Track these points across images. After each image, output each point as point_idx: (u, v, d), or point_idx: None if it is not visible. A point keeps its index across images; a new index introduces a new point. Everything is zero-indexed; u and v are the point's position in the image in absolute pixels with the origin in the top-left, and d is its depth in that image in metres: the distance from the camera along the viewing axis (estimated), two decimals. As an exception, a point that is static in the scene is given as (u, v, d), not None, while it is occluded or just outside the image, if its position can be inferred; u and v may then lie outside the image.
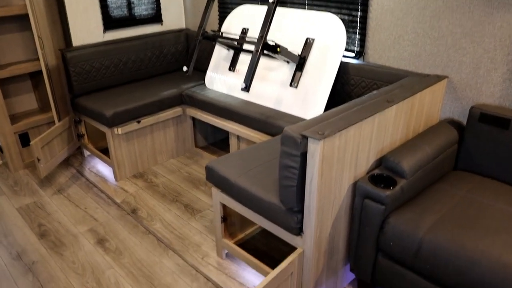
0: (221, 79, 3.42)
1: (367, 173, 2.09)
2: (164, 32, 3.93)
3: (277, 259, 2.44)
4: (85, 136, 3.66)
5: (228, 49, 3.41)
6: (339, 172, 1.87)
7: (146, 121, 3.30)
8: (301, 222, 1.91)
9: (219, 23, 3.79)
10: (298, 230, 1.92)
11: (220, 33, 3.18)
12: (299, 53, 2.95)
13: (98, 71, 3.47)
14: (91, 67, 3.41)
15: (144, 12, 3.80)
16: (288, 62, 3.03)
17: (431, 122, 2.51)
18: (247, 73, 2.71)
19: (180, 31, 4.01)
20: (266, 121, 2.86)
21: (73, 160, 3.73)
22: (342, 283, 2.31)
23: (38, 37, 3.19)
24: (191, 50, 3.20)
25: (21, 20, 3.48)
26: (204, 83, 3.63)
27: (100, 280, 2.40)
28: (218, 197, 2.31)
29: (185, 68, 3.21)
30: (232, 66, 3.41)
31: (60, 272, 2.48)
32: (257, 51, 2.75)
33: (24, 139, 3.59)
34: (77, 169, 3.58)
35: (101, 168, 3.57)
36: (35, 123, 3.59)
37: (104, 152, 3.61)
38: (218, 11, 3.76)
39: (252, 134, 2.99)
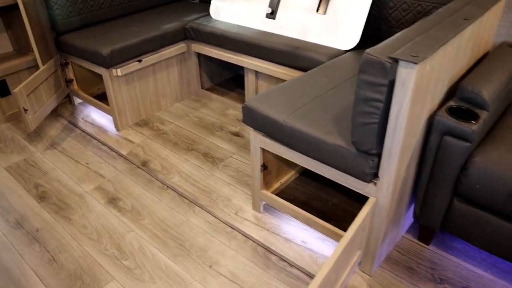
0: (231, 8, 2.96)
1: (440, 106, 1.75)
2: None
3: (321, 209, 2.12)
4: (74, 82, 3.16)
5: (237, -28, 2.91)
6: (421, 105, 1.52)
7: (148, 59, 2.84)
8: (376, 166, 1.57)
9: None
10: (372, 176, 1.59)
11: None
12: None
13: (85, 2, 2.93)
14: (78, -3, 2.87)
15: None
16: (315, -18, 2.59)
17: (487, 47, 2.17)
18: (274, -5, 2.27)
19: (173, -45, 3.45)
20: (294, 53, 2.46)
21: (62, 109, 3.26)
22: (402, 231, 2.03)
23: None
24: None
25: None
26: (209, 14, 3.15)
27: (120, 246, 2.05)
28: (258, 142, 1.94)
29: None
30: (243, -8, 2.92)
31: (71, 239, 2.11)
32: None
33: (2, 88, 3.08)
34: (69, 120, 3.12)
35: (98, 117, 3.13)
36: (14, 68, 3.07)
37: (98, 98, 3.15)
38: None
39: (275, 69, 2.59)
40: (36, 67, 3.16)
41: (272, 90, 1.99)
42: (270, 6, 2.31)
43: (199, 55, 3.15)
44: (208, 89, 3.33)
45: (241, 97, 3.20)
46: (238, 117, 3.01)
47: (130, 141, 2.82)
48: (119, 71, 2.69)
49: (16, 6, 2.98)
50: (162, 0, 3.44)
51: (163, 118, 3.06)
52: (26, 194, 2.42)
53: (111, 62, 2.63)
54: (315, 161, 1.77)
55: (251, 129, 1.96)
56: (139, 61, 2.79)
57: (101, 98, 3.25)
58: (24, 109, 2.65)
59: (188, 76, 3.20)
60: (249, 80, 2.84)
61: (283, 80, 2.63)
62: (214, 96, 3.21)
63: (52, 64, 2.94)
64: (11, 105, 3.17)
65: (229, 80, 3.50)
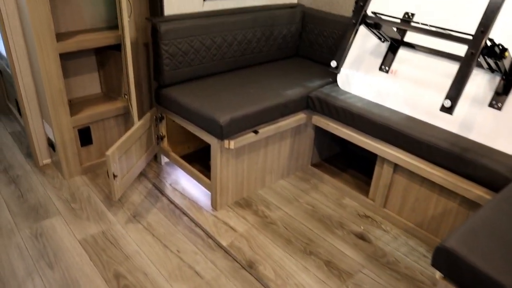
0: (366, 80, 2.44)
1: None
2: (275, 7, 2.91)
3: None
4: (165, 139, 2.68)
5: (382, 39, 2.40)
6: None
7: (265, 131, 2.33)
8: None
9: (356, 2, 2.76)
10: None
11: (370, 16, 2.18)
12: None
13: (197, 53, 2.48)
14: (189, 46, 2.42)
15: (255, -23, 2.78)
16: (492, 70, 2.04)
17: None
18: (452, 85, 1.77)
19: (293, 6, 3.00)
20: (459, 155, 1.92)
21: (146, 168, 2.78)
22: None
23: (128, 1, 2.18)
24: (346, 40, 2.21)
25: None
26: (334, 82, 2.64)
27: None
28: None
29: (333, 63, 2.21)
30: (386, 64, 2.41)
31: None
32: (473, 54, 1.77)
33: (84, 136, 2.63)
34: (154, 183, 2.63)
35: (188, 185, 2.63)
36: (100, 115, 2.63)
37: (188, 159, 2.70)
38: (358, -16, 2.72)
39: (426, 168, 2.05)
40: (125, 115, 2.71)
41: (476, 226, 1.42)
42: (449, 97, 1.77)
43: (316, 127, 2.63)
44: (316, 166, 2.80)
45: (357, 183, 2.65)
46: (359, 211, 2.45)
47: (231, 227, 2.28)
48: (232, 144, 2.19)
49: (114, 46, 2.56)
50: (277, 55, 2.96)
51: (268, 199, 2.52)
52: (104, 286, 1.90)
53: (227, 133, 2.13)
54: None
55: (440, 274, 1.39)
56: (256, 132, 2.28)
57: (191, 158, 2.78)
58: (113, 175, 2.16)
59: (299, 150, 2.68)
60: (383, 173, 2.29)
61: (433, 183, 2.07)
62: (326, 177, 2.67)
63: (148, 118, 2.48)
64: (90, 155, 2.72)
65: (338, 156, 2.96)
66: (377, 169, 2.34)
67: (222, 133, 2.12)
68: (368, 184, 2.64)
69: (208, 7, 2.65)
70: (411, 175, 2.19)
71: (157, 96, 2.51)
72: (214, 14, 2.60)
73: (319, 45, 2.95)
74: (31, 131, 2.70)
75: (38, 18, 2.19)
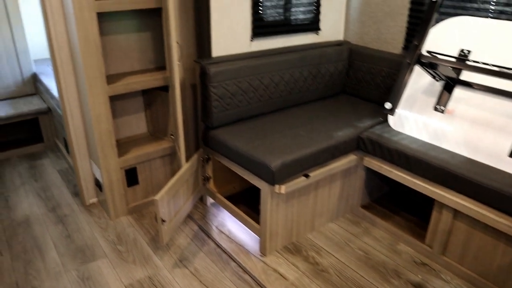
0: (420, 121, 2.34)
1: None
2: (322, 45, 2.87)
3: None
4: (211, 180, 2.64)
5: (436, 78, 2.30)
6: None
7: (316, 174, 2.25)
8: None
9: (406, 39, 2.70)
10: None
11: (425, 55, 2.09)
12: None
13: (244, 94, 2.45)
14: (237, 88, 2.40)
15: (301, 16, 2.76)
16: None
17: None
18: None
19: (339, 44, 2.95)
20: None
21: (192, 209, 2.73)
22: None
23: (177, 42, 2.19)
24: (400, 81, 2.14)
25: (141, 16, 2.50)
26: (384, 121, 2.55)
27: None
28: None
29: (388, 105, 2.14)
30: (441, 103, 2.30)
31: None
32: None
33: (131, 176, 2.61)
34: (200, 225, 2.57)
35: (235, 228, 2.57)
36: (147, 156, 2.62)
37: (233, 200, 2.69)
38: (408, 21, 2.66)
39: (492, 217, 1.94)
40: (171, 156, 2.69)
41: None
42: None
43: (367, 168, 2.53)
44: (366, 207, 2.68)
45: (411, 226, 2.53)
46: (415, 258, 2.31)
47: (281, 275, 2.19)
48: (283, 188, 2.11)
49: (162, 87, 2.57)
50: (323, 93, 2.90)
51: (318, 244, 2.42)
52: None
53: (278, 178, 2.06)
54: None
55: None
56: (307, 176, 2.21)
57: (237, 199, 2.75)
58: (162, 220, 2.12)
59: (349, 191, 2.58)
60: (442, 218, 2.15)
61: (500, 232, 1.92)
62: (377, 219, 2.55)
63: (195, 160, 2.45)
64: (136, 195, 2.70)
65: (389, 196, 2.83)
66: (434, 214, 2.22)
67: (274, 178, 2.06)
68: (423, 227, 2.50)
69: (256, 46, 2.63)
70: (473, 221, 2.05)
71: (204, 137, 2.48)
72: (261, 54, 2.58)
73: (366, 82, 2.88)
74: (78, 170, 2.72)
75: (90, 62, 2.22)
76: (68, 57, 2.43)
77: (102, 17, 2.38)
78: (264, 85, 2.53)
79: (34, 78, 3.78)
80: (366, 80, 2.89)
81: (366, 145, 2.41)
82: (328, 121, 2.54)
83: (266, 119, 2.57)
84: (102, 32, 2.42)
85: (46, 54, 4.33)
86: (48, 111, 3.56)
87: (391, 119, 2.50)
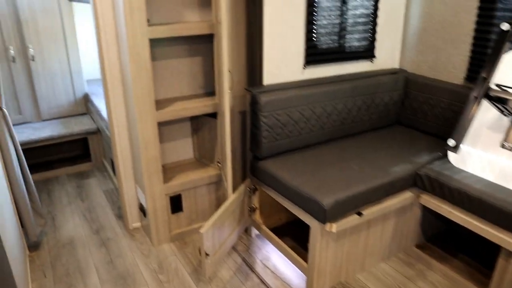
0: (484, 158, 2.16)
1: None
2: (376, 73, 2.74)
3: None
4: (257, 211, 2.54)
5: (505, 113, 2.12)
6: None
7: (369, 212, 2.10)
8: None
9: (469, 69, 2.52)
10: None
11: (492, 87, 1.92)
12: None
13: (296, 124, 2.35)
14: (288, 118, 2.30)
15: (356, 43, 2.65)
16: None
17: None
18: None
19: (395, 72, 2.81)
20: None
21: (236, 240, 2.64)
22: None
23: (229, 71, 2.13)
24: (466, 116, 1.99)
25: (192, 41, 2.47)
26: (444, 157, 2.38)
27: None
28: None
29: (451, 143, 1.98)
30: (509, 140, 2.11)
31: None
32: None
33: (175, 203, 2.56)
34: (244, 258, 2.47)
35: (280, 263, 2.46)
36: (192, 183, 2.55)
37: (278, 232, 2.58)
38: (472, 50, 2.49)
39: None
40: (216, 183, 2.62)
41: None
42: None
43: (423, 206, 2.36)
44: (421, 247, 2.51)
45: (471, 271, 2.34)
46: (478, 310, 2.10)
47: (329, 319, 2.04)
48: (334, 227, 1.98)
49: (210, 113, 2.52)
50: (377, 123, 2.77)
51: (368, 286, 2.26)
52: None
53: (330, 216, 1.93)
54: None
55: None
56: (360, 214, 2.07)
57: (283, 231, 2.66)
58: (206, 253, 2.03)
59: (403, 230, 2.41)
60: (509, 268, 1.95)
61: None
62: (433, 262, 2.36)
63: (242, 191, 2.36)
64: (180, 222, 2.64)
65: (445, 236, 2.63)
66: (500, 262, 2.02)
67: (325, 217, 1.94)
68: (485, 274, 2.30)
69: (308, 74, 2.54)
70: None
71: (252, 167, 2.40)
72: (314, 82, 2.49)
73: (423, 113, 2.72)
74: (123, 194, 2.70)
75: (140, 87, 2.20)
76: (119, 81, 2.43)
77: (154, 42, 2.36)
78: (316, 115, 2.43)
79: (86, 98, 3.85)
80: (423, 111, 2.73)
81: (424, 183, 2.25)
82: (382, 154, 2.40)
83: (316, 150, 2.46)
84: (154, 57, 2.40)
85: (98, 74, 4.42)
86: (97, 131, 3.60)
87: (451, 155, 2.33)
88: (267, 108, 2.24)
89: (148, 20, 2.28)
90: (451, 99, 2.57)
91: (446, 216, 2.21)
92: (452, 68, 2.64)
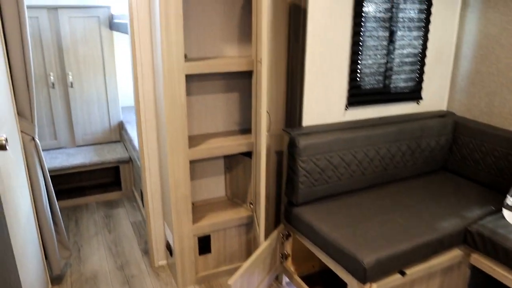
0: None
1: None
2: (422, 116, 2.57)
3: None
4: (289, 258, 2.37)
5: None
6: None
7: (413, 271, 1.90)
8: None
9: (527, 116, 2.32)
10: None
11: None
12: None
13: (335, 170, 2.20)
14: (327, 163, 2.15)
15: (402, 84, 2.49)
16: None
17: None
18: None
19: (441, 115, 2.62)
20: None
21: (266, 288, 2.47)
22: None
23: (267, 112, 2.01)
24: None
25: (229, 77, 2.37)
26: (497, 212, 2.16)
27: None
28: None
29: (510, 201, 1.75)
30: None
31: None
32: None
33: (203, 244, 2.42)
34: (273, 309, 2.29)
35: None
36: (222, 224, 2.41)
37: (310, 281, 2.42)
38: (531, 97, 2.29)
39: None
40: (247, 225, 2.48)
41: None
42: None
43: (473, 266, 2.14)
44: (468, 311, 2.25)
45: None
46: None
47: None
48: (374, 287, 1.78)
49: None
50: (421, 169, 2.58)
51: None
52: None
53: (370, 275, 1.75)
54: None
55: None
56: (403, 273, 1.87)
57: (316, 280, 2.49)
58: (234, 306, 1.87)
59: (449, 291, 2.18)
60: None
61: None
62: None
63: (275, 238, 2.21)
64: (207, 264, 2.50)
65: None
66: None
67: (365, 276, 1.76)
68: None
69: (350, 116, 2.40)
70: None
71: (287, 213, 2.25)
72: (355, 125, 2.34)
73: (474, 161, 2.51)
74: (151, 230, 2.60)
75: (174, 124, 2.11)
76: (152, 114, 2.36)
77: (190, 76, 2.28)
78: (357, 160, 2.27)
79: (120, 126, 3.82)
80: (474, 158, 2.52)
81: (475, 241, 2.04)
82: (428, 205, 2.21)
83: (356, 197, 2.30)
84: (189, 91, 2.32)
85: (133, 102, 4.41)
86: (129, 160, 3.54)
87: (507, 212, 2.11)
88: (306, 152, 2.10)
89: (186, 55, 2.20)
90: (508, 148, 2.36)
91: (500, 280, 1.98)
92: (508, 114, 2.44)
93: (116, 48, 4.04)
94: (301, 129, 2.20)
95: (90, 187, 3.74)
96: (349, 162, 2.26)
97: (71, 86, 3.55)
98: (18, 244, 1.77)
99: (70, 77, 3.53)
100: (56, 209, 2.47)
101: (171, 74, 2.04)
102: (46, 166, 2.32)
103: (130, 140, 3.40)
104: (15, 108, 2.10)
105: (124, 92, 4.28)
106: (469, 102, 2.66)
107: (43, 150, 3.58)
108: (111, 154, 3.55)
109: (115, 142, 3.87)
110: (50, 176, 2.43)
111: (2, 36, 1.96)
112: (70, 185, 3.70)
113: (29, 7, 3.27)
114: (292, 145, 2.12)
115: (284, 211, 2.29)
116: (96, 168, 3.52)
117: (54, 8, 3.39)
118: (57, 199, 3.43)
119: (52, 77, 3.48)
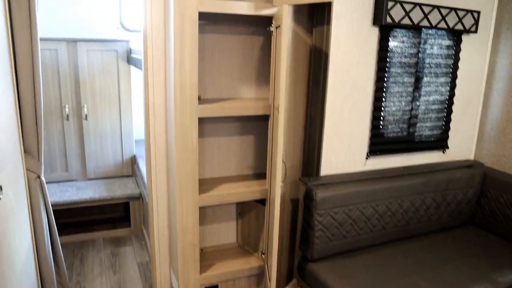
0: None
1: None
2: (448, 165, 2.41)
3: None
4: (303, 315, 2.19)
5: None
6: None
7: None
8: None
9: None
10: None
11: None
12: None
13: (354, 224, 2.04)
14: (346, 216, 2.00)
15: (427, 132, 2.34)
16: None
17: None
18: None
19: (469, 166, 2.45)
20: None
21: None
22: None
23: (282, 161, 1.88)
24: None
25: (244, 119, 2.26)
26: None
27: None
28: None
29: None
30: None
31: None
32: None
33: (210, 294, 2.27)
34: None
35: None
36: (231, 274, 2.25)
37: None
38: None
39: None
40: (258, 276, 2.32)
41: None
42: None
43: None
44: None
45: None
46: None
47: None
48: None
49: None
50: (446, 223, 2.41)
51: None
52: None
53: None
54: None
55: None
56: None
57: None
58: None
59: None
60: None
61: None
62: None
63: (287, 294, 2.03)
64: (212, 317, 2.32)
65: None
66: None
67: None
68: None
69: (371, 165, 2.25)
70: None
71: (300, 268, 2.09)
72: (377, 175, 2.19)
73: (505, 216, 2.33)
74: (156, 275, 2.47)
75: (184, 167, 2.00)
76: (163, 154, 2.26)
77: (204, 118, 2.18)
78: (378, 214, 2.11)
79: (133, 160, 3.74)
80: (505, 214, 2.33)
81: (509, 312, 1.83)
82: (455, 266, 2.02)
83: (375, 254, 2.13)
84: (202, 133, 2.22)
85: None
86: (140, 197, 3.44)
87: (544, 279, 1.91)
88: (324, 205, 1.95)
89: (199, 97, 2.11)
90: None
91: None
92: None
93: (133, 81, 3.99)
94: (318, 179, 2.06)
95: (98, 221, 3.63)
96: (369, 216, 2.11)
97: (86, 119, 3.50)
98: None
99: (85, 109, 3.48)
100: (58, 249, 2.36)
101: (183, 116, 1.94)
102: (56, 199, 2.23)
103: (142, 176, 3.30)
104: (22, 146, 2.02)
105: (139, 125, 4.21)
106: (498, 152, 2.50)
107: (54, 182, 3.50)
108: (122, 189, 3.46)
109: (127, 176, 3.77)
110: (59, 210, 2.32)
111: (14, 72, 1.90)
112: (78, 219, 3.60)
113: (48, 39, 3.26)
114: (309, 197, 1.97)
115: (298, 265, 2.14)
116: (106, 204, 3.42)
117: (74, 41, 3.37)
118: (64, 233, 3.34)
119: (67, 109, 3.43)
